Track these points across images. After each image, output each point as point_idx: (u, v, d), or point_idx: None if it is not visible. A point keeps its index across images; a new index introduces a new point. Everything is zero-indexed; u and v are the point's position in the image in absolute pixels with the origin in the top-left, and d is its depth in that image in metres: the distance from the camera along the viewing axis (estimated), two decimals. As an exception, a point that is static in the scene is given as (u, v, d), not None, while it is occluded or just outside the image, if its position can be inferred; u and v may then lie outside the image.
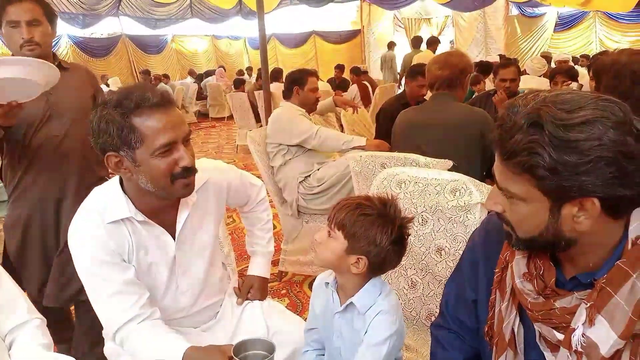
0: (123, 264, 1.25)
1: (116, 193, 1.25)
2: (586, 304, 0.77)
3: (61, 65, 1.81)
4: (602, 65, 1.70)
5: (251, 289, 1.55)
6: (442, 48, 8.80)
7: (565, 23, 14.40)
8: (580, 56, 9.34)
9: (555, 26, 14.54)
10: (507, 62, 3.91)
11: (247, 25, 13.61)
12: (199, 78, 12.49)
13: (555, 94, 0.75)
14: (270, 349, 1.10)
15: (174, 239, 1.32)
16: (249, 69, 13.51)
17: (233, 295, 1.56)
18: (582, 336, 0.77)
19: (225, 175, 1.48)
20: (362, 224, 1.06)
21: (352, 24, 16.26)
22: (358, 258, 1.07)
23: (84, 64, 12.35)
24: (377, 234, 1.06)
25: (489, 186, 1.45)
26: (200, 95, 11.80)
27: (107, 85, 10.76)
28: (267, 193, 3.09)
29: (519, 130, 0.74)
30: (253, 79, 11.21)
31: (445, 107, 2.31)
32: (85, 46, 12.53)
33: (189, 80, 12.62)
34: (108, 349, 1.40)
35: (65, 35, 11.89)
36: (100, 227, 1.22)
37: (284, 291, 2.92)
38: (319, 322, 1.23)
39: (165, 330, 1.24)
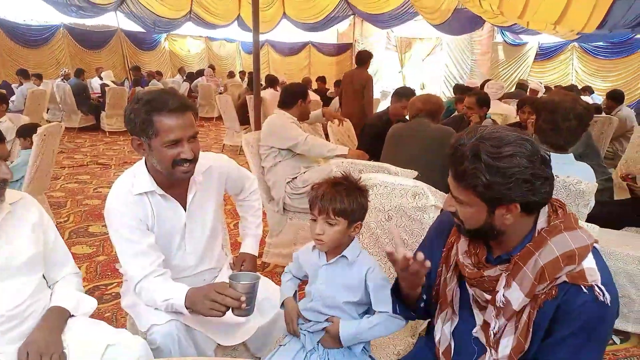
0: (147, 231, 1.59)
1: (142, 171, 1.61)
2: (505, 274, 1.11)
3: None
4: (540, 103, 2.10)
5: (243, 262, 1.90)
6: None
7: (546, 54, 15.10)
8: (554, 87, 9.90)
9: (536, 56, 15.22)
10: (470, 91, 4.30)
11: (243, 30, 13.90)
12: (190, 77, 12.65)
13: (489, 131, 1.09)
14: (257, 277, 1.45)
15: (185, 210, 1.67)
16: (242, 73, 13.76)
17: (229, 268, 1.89)
18: (503, 296, 1.11)
19: (225, 164, 1.85)
20: (352, 201, 1.36)
21: (345, 37, 16.72)
22: (356, 226, 1.40)
23: (79, 55, 12.49)
24: (362, 201, 1.39)
25: (442, 193, 1.81)
26: (190, 95, 12.01)
27: (101, 78, 10.93)
28: (257, 191, 3.40)
29: (465, 159, 1.05)
30: (245, 83, 11.49)
31: (425, 126, 3.00)
32: (80, 37, 12.62)
33: (179, 78, 12.81)
34: (126, 301, 1.72)
35: (62, 25, 11.98)
36: (130, 198, 1.56)
37: (265, 280, 3.23)
38: (308, 271, 1.52)
39: (173, 281, 1.59)
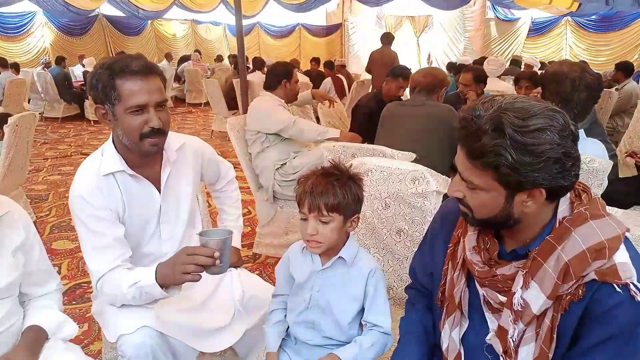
0: (116, 222, 1.42)
1: (110, 150, 1.44)
2: (522, 272, 0.95)
3: None
4: (547, 74, 1.93)
5: None
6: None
7: (539, 29, 14.88)
8: (548, 62, 9.74)
9: (529, 31, 15.00)
10: (467, 68, 4.10)
11: (229, 12, 13.51)
12: (183, 60, 12.31)
13: (510, 101, 0.90)
14: (228, 232, 1.28)
15: (160, 192, 1.50)
16: (232, 57, 13.40)
17: None
18: (521, 298, 0.94)
19: (200, 145, 1.69)
20: (346, 193, 1.19)
21: (334, 18, 16.38)
22: (352, 220, 1.23)
23: (60, 42, 12.10)
24: (357, 192, 1.22)
25: (444, 176, 1.65)
26: (177, 80, 11.72)
27: (83, 66, 10.60)
28: (244, 179, 3.23)
29: (484, 134, 0.86)
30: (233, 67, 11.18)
31: (421, 102, 2.80)
32: (61, 25, 12.23)
33: (166, 64, 12.48)
34: (95, 308, 1.56)
35: (41, 12, 11.58)
36: (96, 183, 1.39)
37: (257, 272, 3.07)
38: (299, 279, 1.33)
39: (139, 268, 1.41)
